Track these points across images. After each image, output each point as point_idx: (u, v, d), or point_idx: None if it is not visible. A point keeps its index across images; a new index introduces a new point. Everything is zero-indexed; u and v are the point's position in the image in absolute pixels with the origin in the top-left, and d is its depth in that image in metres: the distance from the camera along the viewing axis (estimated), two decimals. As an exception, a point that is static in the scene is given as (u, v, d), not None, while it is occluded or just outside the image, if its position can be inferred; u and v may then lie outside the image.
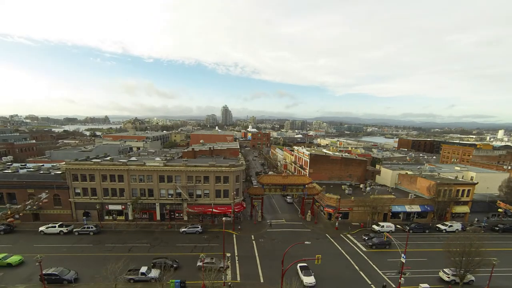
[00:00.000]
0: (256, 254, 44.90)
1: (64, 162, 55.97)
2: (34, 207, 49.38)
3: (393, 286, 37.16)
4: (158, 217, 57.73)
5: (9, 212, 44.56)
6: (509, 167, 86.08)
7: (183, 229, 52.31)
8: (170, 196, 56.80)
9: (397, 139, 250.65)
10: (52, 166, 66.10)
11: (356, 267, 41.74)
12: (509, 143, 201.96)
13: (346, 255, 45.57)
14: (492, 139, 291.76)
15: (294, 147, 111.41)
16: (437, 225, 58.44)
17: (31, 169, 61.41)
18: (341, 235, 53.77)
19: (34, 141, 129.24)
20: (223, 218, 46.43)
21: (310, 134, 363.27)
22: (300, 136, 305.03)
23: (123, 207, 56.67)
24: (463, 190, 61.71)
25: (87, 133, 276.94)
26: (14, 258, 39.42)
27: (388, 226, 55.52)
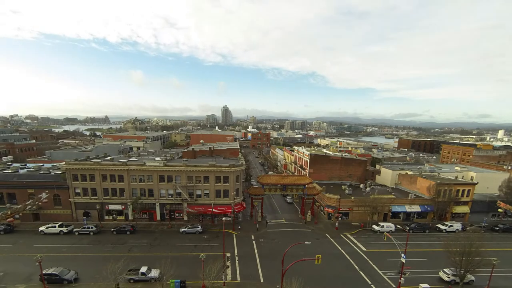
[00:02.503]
0: (256, 254, 44.91)
1: (64, 162, 55.95)
2: (34, 207, 49.35)
3: (393, 286, 37.18)
4: (158, 217, 57.72)
5: (9, 212, 44.56)
6: (509, 167, 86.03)
7: (183, 229, 52.30)
8: (170, 196, 56.79)
9: (397, 139, 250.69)
10: (52, 166, 66.14)
11: (356, 267, 41.74)
12: (509, 143, 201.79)
13: (346, 255, 45.59)
14: (492, 139, 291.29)
15: (294, 147, 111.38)
16: (437, 225, 58.44)
17: (31, 169, 61.44)
18: (341, 235, 53.78)
19: (34, 141, 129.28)
20: (223, 218, 46.51)
21: (310, 134, 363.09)
22: (300, 136, 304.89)
23: (123, 207, 56.66)
24: (463, 190, 61.71)
25: (87, 133, 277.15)
26: None
27: (388, 226, 55.52)
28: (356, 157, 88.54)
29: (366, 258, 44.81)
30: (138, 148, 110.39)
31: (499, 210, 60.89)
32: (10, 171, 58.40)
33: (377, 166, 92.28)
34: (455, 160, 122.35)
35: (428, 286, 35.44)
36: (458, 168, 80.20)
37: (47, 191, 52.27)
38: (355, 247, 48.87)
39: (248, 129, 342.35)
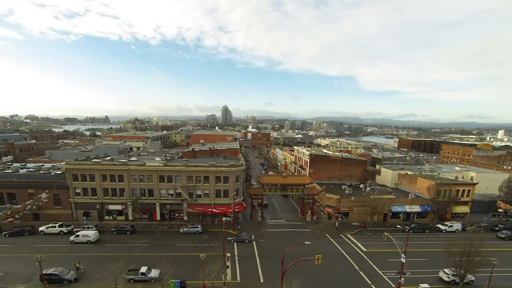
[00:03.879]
0: (256, 254, 44.92)
1: (64, 162, 55.97)
2: (34, 207, 49.37)
3: (393, 286, 37.18)
4: (158, 217, 57.73)
5: (9, 212, 44.58)
6: (509, 167, 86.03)
7: (183, 229, 52.32)
8: (170, 196, 56.81)
9: (397, 139, 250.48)
10: (52, 166, 66.14)
11: (356, 267, 41.74)
12: (509, 143, 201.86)
13: (346, 255, 45.59)
14: (492, 139, 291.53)
15: (294, 147, 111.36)
16: (437, 225, 58.46)
17: (31, 169, 61.44)
18: (341, 235, 53.79)
19: (34, 141, 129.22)
20: (223, 218, 46.47)
21: (310, 134, 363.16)
22: (300, 136, 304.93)
23: (123, 207, 56.67)
24: (463, 190, 61.72)
25: (87, 133, 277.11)
26: None
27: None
28: (356, 157, 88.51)
29: (366, 258, 44.80)
30: (138, 148, 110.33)
31: (499, 210, 60.91)
32: (10, 171, 58.40)
33: (377, 166, 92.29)
34: (455, 160, 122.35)
35: (428, 286, 35.45)
36: (458, 168, 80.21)
37: (47, 191, 52.34)
38: (355, 247, 48.87)
39: (248, 129, 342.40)
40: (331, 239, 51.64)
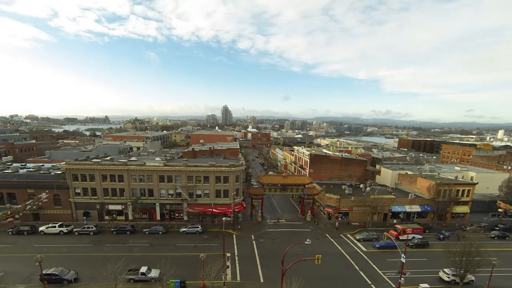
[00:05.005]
0: (256, 254, 44.91)
1: (64, 162, 55.95)
2: (34, 207, 49.34)
3: (393, 286, 37.18)
4: (158, 217, 57.72)
5: (9, 212, 44.56)
6: (509, 167, 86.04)
7: (183, 229, 52.30)
8: (170, 196, 56.79)
9: (397, 139, 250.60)
10: (52, 166, 66.14)
11: (356, 267, 41.74)
12: (509, 143, 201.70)
13: (346, 255, 45.59)
14: (492, 139, 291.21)
15: (294, 147, 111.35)
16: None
17: (31, 169, 61.43)
18: (341, 235, 53.80)
19: (34, 141, 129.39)
20: (223, 218, 46.43)
21: (310, 134, 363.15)
22: (300, 136, 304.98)
23: (123, 207, 56.65)
24: (463, 190, 61.72)
25: (87, 133, 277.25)
26: None
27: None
28: (356, 157, 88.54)
29: (366, 258, 44.81)
30: (138, 148, 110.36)
31: (499, 210, 60.89)
32: (10, 171, 58.39)
33: (377, 166, 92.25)
34: (455, 160, 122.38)
35: (428, 286, 35.45)
36: (458, 168, 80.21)
37: (47, 191, 52.27)
38: (355, 247, 48.88)
39: (248, 129, 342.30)
40: (331, 239, 51.64)
